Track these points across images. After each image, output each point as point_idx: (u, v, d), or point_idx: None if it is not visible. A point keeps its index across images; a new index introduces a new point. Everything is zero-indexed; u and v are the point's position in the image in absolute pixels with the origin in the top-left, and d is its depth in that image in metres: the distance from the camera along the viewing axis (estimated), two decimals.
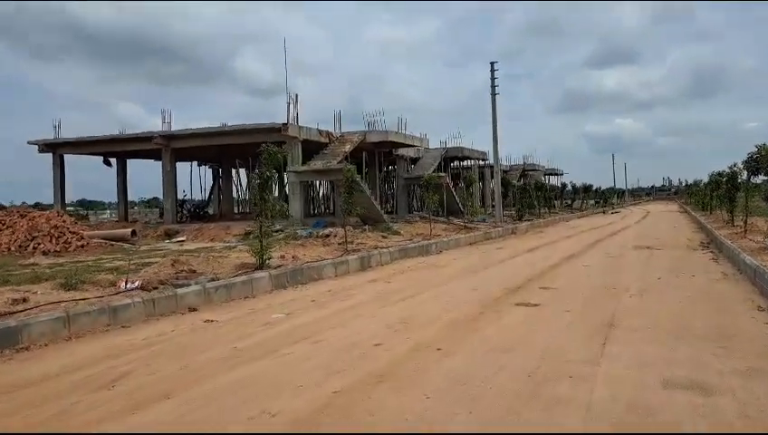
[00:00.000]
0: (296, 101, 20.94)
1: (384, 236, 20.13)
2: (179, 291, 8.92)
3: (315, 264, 12.57)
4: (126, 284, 9.07)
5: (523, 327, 7.03)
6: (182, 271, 10.69)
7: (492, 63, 28.78)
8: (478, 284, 10.93)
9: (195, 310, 8.80)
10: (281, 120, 22.89)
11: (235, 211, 33.56)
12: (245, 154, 26.79)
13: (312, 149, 22.10)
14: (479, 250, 18.97)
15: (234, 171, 33.06)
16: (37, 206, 26.79)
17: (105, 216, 48.15)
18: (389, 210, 31.89)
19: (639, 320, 7.32)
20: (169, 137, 22.59)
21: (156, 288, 9.40)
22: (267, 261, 11.66)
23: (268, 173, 11.54)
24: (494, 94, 28.76)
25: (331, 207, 31.29)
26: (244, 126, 21.06)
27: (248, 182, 33.78)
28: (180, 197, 26.85)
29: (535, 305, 8.28)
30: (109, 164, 27.60)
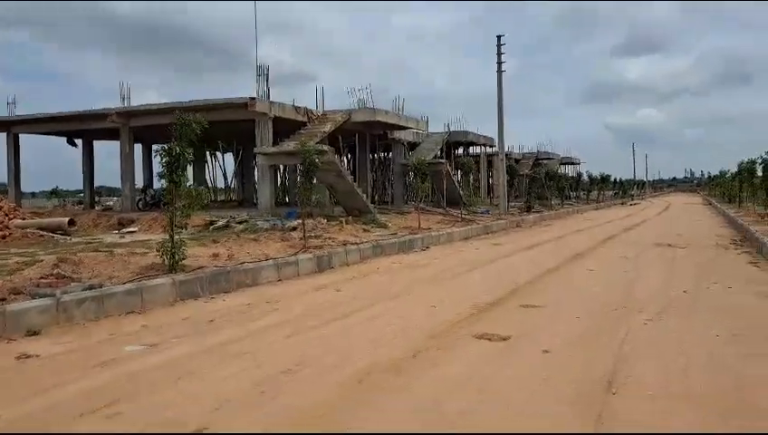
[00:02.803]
0: (267, 74, 18.34)
1: (366, 230, 17.59)
2: (13, 307, 6.45)
3: (250, 265, 10.06)
4: None
5: (465, 390, 4.42)
6: (55, 275, 8.24)
7: (498, 37, 25.95)
8: (446, 295, 8.35)
9: (36, 333, 6.34)
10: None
11: (213, 199, 31.16)
12: (217, 134, 24.34)
13: (287, 128, 19.56)
14: (472, 246, 16.34)
15: (209, 153, 30.62)
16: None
17: (110, 203, 46.18)
18: (384, 200, 29.28)
19: (657, 373, 4.71)
20: (127, 114, 20.00)
21: (2, 299, 7.00)
22: (180, 262, 9.19)
23: (178, 149, 9.03)
24: (499, 71, 25.92)
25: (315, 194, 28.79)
26: (207, 101, 18.57)
27: (237, 165, 31.41)
28: (144, 182, 24.52)
29: (503, 340, 5.66)
30: (74, 144, 25.32)
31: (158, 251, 9.22)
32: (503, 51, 25.88)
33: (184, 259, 9.31)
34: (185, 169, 9.19)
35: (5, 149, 23.26)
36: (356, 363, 4.98)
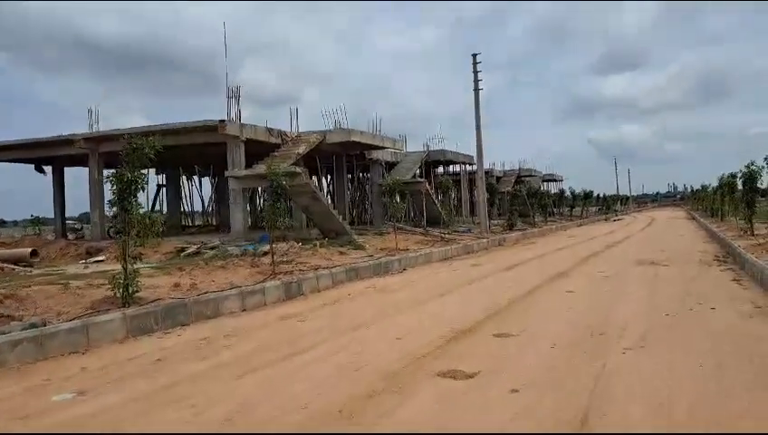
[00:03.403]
0: (238, 96, 17.90)
1: (342, 252, 17.09)
2: None
3: (211, 296, 9.52)
4: None
5: None
6: None
7: (474, 56, 25.76)
8: (416, 324, 7.87)
9: None
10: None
11: (190, 224, 30.49)
12: (191, 157, 23.81)
13: (261, 151, 19.09)
14: (450, 268, 15.90)
15: (185, 179, 29.93)
16: None
17: (84, 230, 45.23)
18: (364, 220, 28.82)
19: (635, 412, 4.25)
20: (96, 139, 19.48)
21: None
22: (134, 294, 8.64)
23: (129, 175, 8.52)
24: (476, 90, 25.71)
25: (291, 217, 28.22)
26: (178, 124, 18.07)
27: (213, 190, 30.80)
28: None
29: (468, 377, 5.18)
30: (42, 171, 24.60)
31: (110, 284, 8.66)
32: (479, 69, 25.72)
33: (138, 292, 8.76)
34: (136, 195, 8.67)
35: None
36: (301, 411, 4.47)
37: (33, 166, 24.08)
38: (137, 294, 8.89)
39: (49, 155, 21.89)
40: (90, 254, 17.79)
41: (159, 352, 6.79)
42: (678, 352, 5.92)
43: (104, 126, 20.25)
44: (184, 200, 31.00)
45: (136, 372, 5.90)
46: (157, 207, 27.65)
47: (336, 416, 4.31)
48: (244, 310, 9.82)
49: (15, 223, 65.71)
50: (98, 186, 20.17)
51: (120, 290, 8.54)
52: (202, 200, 31.46)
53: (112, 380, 5.67)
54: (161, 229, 9.09)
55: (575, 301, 9.40)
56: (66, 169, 25.05)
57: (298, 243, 17.53)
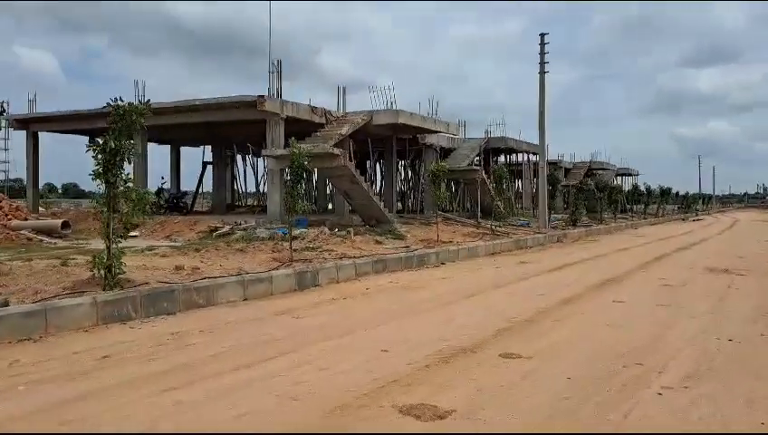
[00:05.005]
0: (280, 71, 17.03)
1: (378, 241, 16.01)
2: None
3: (206, 283, 8.67)
4: None
5: None
6: None
7: (541, 35, 23.85)
8: (414, 333, 6.68)
9: None
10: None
11: (240, 204, 30.13)
12: (236, 136, 23.27)
13: (305, 130, 18.21)
14: (494, 264, 14.52)
15: (236, 156, 29.55)
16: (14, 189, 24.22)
17: None
18: (415, 208, 27.58)
19: None
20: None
21: None
22: (117, 276, 7.89)
23: (114, 143, 7.74)
24: (542, 72, 23.84)
25: (327, 203, 27.26)
26: (216, 99, 17.46)
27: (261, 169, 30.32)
28: (159, 184, 23.62)
29: (438, 419, 3.94)
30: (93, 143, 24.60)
31: (90, 263, 7.96)
32: (546, 50, 23.82)
33: (122, 273, 8.00)
34: (122, 166, 7.89)
35: (26, 148, 22.87)
36: None
37: (87, 138, 24.23)
38: (124, 276, 8.18)
39: (95, 127, 21.92)
40: (126, 229, 17.48)
41: (111, 348, 5.94)
42: (733, 398, 4.48)
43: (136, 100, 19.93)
44: (237, 179, 30.82)
45: (59, 375, 5.02)
46: (203, 185, 27.60)
47: None
48: (245, 299, 8.94)
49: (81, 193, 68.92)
50: (140, 160, 19.94)
51: (102, 271, 7.82)
52: (256, 179, 31.16)
53: (29, 381, 4.83)
54: (148, 207, 8.30)
55: (619, 315, 7.92)
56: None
57: (334, 229, 16.60)
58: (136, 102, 8.39)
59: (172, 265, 9.94)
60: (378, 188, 28.64)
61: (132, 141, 8.09)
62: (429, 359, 5.44)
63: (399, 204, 29.81)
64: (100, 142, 7.85)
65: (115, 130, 7.85)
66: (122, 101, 7.97)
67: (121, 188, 7.90)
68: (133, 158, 8.10)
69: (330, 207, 26.20)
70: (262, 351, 5.84)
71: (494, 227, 20.21)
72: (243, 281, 9.14)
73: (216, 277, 9.09)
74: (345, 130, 17.96)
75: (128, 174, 8.08)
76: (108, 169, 7.78)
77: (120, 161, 7.85)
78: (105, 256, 7.85)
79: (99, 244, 14.46)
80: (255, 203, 30.54)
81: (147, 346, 6.06)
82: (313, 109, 18.55)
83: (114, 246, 7.96)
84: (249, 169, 31.57)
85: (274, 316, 7.84)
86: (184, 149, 28.71)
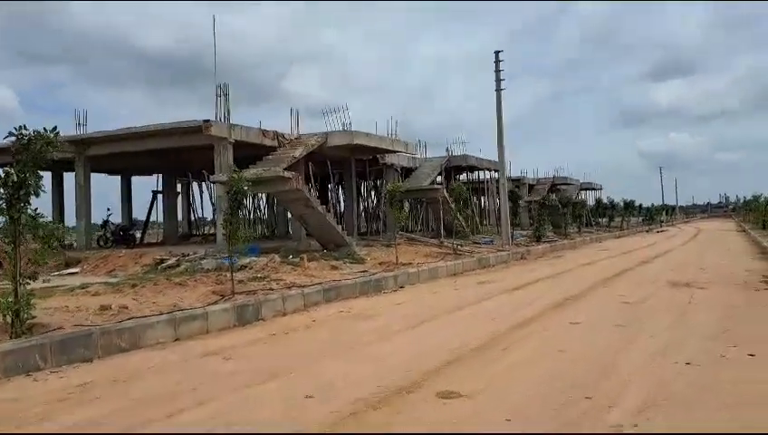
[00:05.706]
0: (227, 94, 16.44)
1: (335, 267, 15.39)
2: None
3: (130, 324, 7.95)
4: None
5: None
6: None
7: (496, 53, 23.74)
8: (349, 372, 6.10)
9: None
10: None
11: (196, 233, 29.26)
12: (186, 162, 22.51)
13: (256, 154, 17.61)
14: (454, 286, 14.04)
15: (191, 184, 28.71)
16: None
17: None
18: (378, 230, 27.05)
19: None
20: (81, 142, 18.36)
21: None
22: (27, 321, 7.14)
23: (18, 176, 7.03)
24: (498, 90, 23.71)
25: (288, 228, 26.56)
26: (163, 126, 16.76)
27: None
28: (104, 216, 22.57)
29: None
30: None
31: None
32: (501, 68, 23.73)
33: (31, 318, 7.25)
34: (27, 201, 7.17)
35: None
36: None
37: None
38: (38, 321, 7.45)
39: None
40: (68, 265, 16.60)
41: (1, 406, 5.22)
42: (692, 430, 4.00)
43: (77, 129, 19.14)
44: (194, 207, 29.90)
45: None
46: (156, 215, 26.71)
47: None
48: (177, 339, 8.23)
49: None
50: (83, 192, 19.01)
51: (9, 316, 7.06)
52: (213, 207, 30.26)
53: None
54: (57, 244, 7.56)
55: (573, 339, 7.45)
56: (66, 175, 24.06)
57: (288, 255, 15.94)
58: (77, 130, 7.70)
59: (98, 305, 9.18)
60: (340, 210, 28.09)
61: (41, 174, 7.36)
62: (358, 404, 4.86)
63: (365, 225, 29.26)
64: (2, 175, 7.12)
65: (20, 161, 7.13)
66: (26, 129, 7.23)
67: (27, 224, 7.16)
68: (41, 192, 7.35)
69: (290, 232, 25.55)
70: (171, 402, 5.19)
71: (456, 246, 19.76)
72: (174, 319, 8.43)
73: (144, 317, 8.37)
74: (298, 152, 17.40)
75: (35, 209, 7.33)
76: (12, 204, 7.05)
77: (26, 196, 7.12)
78: (12, 300, 7.10)
79: (36, 282, 13.64)
80: (212, 232, 29.67)
81: (43, 403, 5.34)
82: (264, 132, 17.96)
83: (22, 288, 7.20)
84: (207, 197, 30.69)
85: (202, 358, 7.17)
86: (138, 179, 27.80)
